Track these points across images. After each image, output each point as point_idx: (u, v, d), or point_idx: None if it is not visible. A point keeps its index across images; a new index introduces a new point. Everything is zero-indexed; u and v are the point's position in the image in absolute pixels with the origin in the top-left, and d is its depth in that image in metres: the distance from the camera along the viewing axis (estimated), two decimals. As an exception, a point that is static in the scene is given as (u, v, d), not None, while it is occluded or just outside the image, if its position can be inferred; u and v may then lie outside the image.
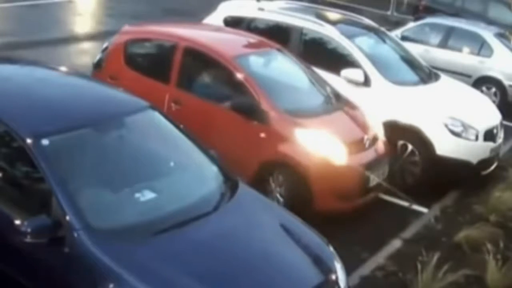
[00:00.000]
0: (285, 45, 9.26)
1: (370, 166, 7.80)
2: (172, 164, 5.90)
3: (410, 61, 10.46)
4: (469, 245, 7.41)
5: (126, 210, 5.18)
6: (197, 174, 5.88)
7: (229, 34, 9.54)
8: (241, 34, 9.45)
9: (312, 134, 7.56)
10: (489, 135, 9.31)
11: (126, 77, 8.36)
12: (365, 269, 6.95)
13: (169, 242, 4.93)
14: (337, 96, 8.58)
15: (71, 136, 5.32)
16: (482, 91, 12.39)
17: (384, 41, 10.54)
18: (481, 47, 13.83)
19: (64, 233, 4.74)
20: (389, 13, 21.60)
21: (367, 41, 10.12)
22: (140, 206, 5.20)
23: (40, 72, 6.62)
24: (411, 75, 10.06)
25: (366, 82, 9.20)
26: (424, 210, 8.54)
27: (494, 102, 11.64)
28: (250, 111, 7.65)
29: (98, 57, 9.11)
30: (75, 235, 4.73)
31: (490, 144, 9.32)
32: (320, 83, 8.72)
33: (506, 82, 13.45)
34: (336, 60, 9.49)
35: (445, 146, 8.90)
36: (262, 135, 7.59)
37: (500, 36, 14.22)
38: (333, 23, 10.09)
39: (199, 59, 8.31)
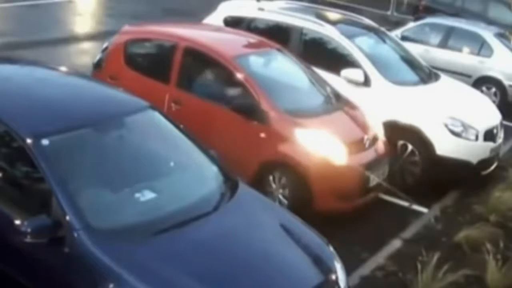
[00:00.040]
0: (285, 45, 9.25)
1: (370, 166, 7.80)
2: (172, 164, 5.90)
3: (410, 61, 10.46)
4: (469, 245, 7.40)
5: (126, 210, 5.18)
6: (197, 174, 5.88)
7: (229, 34, 9.54)
8: (241, 34, 9.45)
9: (312, 134, 7.56)
10: (489, 135, 9.31)
11: (126, 77, 8.36)
12: (365, 269, 6.95)
13: (169, 242, 4.93)
14: (337, 96, 8.58)
15: (71, 136, 5.32)
16: (482, 91, 12.39)
17: (384, 41, 10.54)
18: (481, 47, 13.83)
19: (64, 233, 4.74)
20: (389, 13, 21.60)
21: (367, 41, 10.12)
22: (140, 206, 5.20)
23: (40, 72, 6.62)
24: (411, 75, 10.06)
25: (366, 82, 9.20)
26: (424, 210, 8.54)
27: (494, 102, 11.64)
28: (250, 111, 7.65)
29: (98, 57, 9.11)
30: (75, 235, 4.73)
31: (490, 144, 9.33)
32: (320, 83, 8.72)
33: (506, 82, 13.45)
34: (336, 60, 9.49)
35: (445, 146, 8.90)
36: (262, 135, 7.59)
37: (500, 36, 14.22)
38: (333, 23, 10.09)
39: (199, 59, 8.31)
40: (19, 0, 16.60)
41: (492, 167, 9.54)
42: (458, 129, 8.99)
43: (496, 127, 9.53)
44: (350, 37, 9.64)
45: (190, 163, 5.99)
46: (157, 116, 6.04)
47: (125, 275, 4.55)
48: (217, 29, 9.84)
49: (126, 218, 5.05)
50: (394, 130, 8.82)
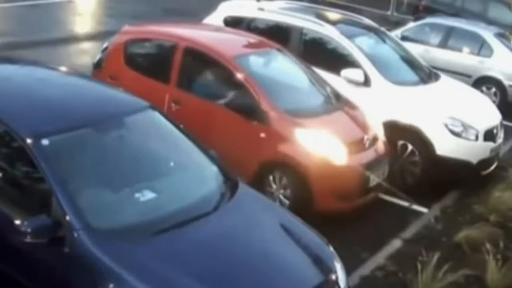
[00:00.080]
0: (285, 45, 9.26)
1: (370, 166, 7.80)
2: (172, 164, 5.90)
3: (410, 61, 10.46)
4: (469, 245, 7.40)
5: (126, 210, 5.18)
6: (197, 174, 5.88)
7: (229, 34, 9.54)
8: (241, 34, 9.45)
9: (312, 134, 7.57)
10: (489, 135, 9.31)
11: (126, 77, 8.36)
12: (365, 269, 6.95)
13: (169, 242, 4.93)
14: (337, 96, 8.59)
15: (71, 136, 5.32)
16: (482, 91, 12.39)
17: (384, 41, 10.54)
18: (481, 47, 13.83)
19: (64, 233, 4.74)
20: (389, 13, 21.60)
21: (367, 41, 10.12)
22: (140, 206, 5.20)
23: (40, 72, 6.62)
24: (411, 75, 10.06)
25: (366, 82, 9.20)
26: (424, 210, 8.54)
27: (494, 102, 11.64)
28: (250, 111, 7.65)
29: (98, 57, 9.11)
30: (75, 235, 4.73)
31: (490, 144, 9.32)
32: (320, 83, 8.72)
33: (506, 82, 13.45)
34: (336, 60, 9.49)
35: (445, 146, 8.90)
36: (262, 135, 7.59)
37: (500, 36, 14.22)
38: (333, 23, 10.09)
39: (199, 59, 8.31)
40: (19, 0, 16.60)
41: (492, 167, 9.54)
42: (458, 129, 8.99)
43: (496, 127, 9.53)
44: (350, 37, 9.64)
45: (190, 163, 5.99)
46: (157, 116, 6.04)
47: (125, 275, 4.55)
48: (217, 29, 9.84)
49: (126, 218, 5.05)
50: (394, 130, 8.82)
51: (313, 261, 5.31)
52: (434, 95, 9.61)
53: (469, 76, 13.35)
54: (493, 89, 13.47)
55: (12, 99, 5.60)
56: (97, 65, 8.96)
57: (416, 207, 8.53)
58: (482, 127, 9.20)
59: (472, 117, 9.21)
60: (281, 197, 7.54)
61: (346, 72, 9.22)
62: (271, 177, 7.61)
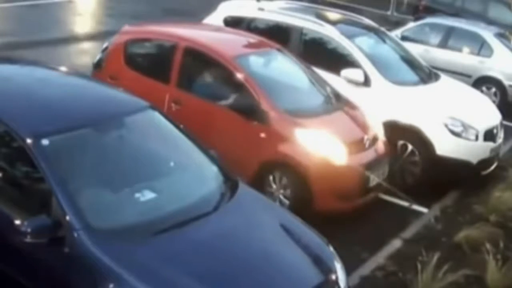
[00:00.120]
0: (285, 45, 9.25)
1: (370, 166, 7.80)
2: (172, 164, 5.90)
3: (410, 61, 10.46)
4: (469, 245, 7.40)
5: (126, 210, 5.18)
6: (197, 174, 5.88)
7: (229, 34, 9.54)
8: (241, 34, 9.45)
9: (312, 134, 7.56)
10: (489, 135, 9.31)
11: (126, 77, 8.36)
12: (365, 269, 6.95)
13: (169, 242, 4.93)
14: (337, 96, 8.59)
15: (71, 136, 5.32)
16: (482, 91, 12.39)
17: (384, 41, 10.54)
18: (481, 47, 13.83)
19: (64, 233, 4.74)
20: (389, 13, 21.60)
21: (367, 41, 10.12)
22: (140, 206, 5.20)
23: (40, 72, 6.62)
24: (411, 75, 10.06)
25: (366, 82, 9.20)
26: (424, 210, 8.54)
27: (494, 102, 11.64)
28: (250, 111, 7.65)
29: (98, 57, 9.11)
30: (75, 235, 4.73)
31: (490, 144, 9.32)
32: (320, 83, 8.72)
33: (506, 82, 13.46)
34: (336, 60, 9.49)
35: (445, 146, 8.90)
36: (262, 135, 7.59)
37: (500, 36, 14.22)
38: (333, 23, 10.09)
39: (199, 59, 8.30)
40: (19, 0, 16.60)
41: (492, 167, 9.54)
42: (458, 129, 8.99)
43: (496, 127, 9.53)
44: (350, 37, 9.64)
45: (190, 163, 5.99)
46: (157, 116, 6.04)
47: (125, 275, 4.55)
48: (217, 29, 9.84)
49: (126, 218, 5.05)
50: (394, 130, 8.82)
51: (313, 261, 5.31)
52: (434, 95, 9.61)
53: (469, 76, 13.35)
54: (493, 89, 13.47)
55: (12, 99, 5.60)
56: (97, 65, 8.96)
57: (416, 207, 8.53)
58: (482, 127, 9.20)
59: (472, 117, 9.21)
60: (281, 197, 7.54)
61: (346, 72, 9.22)
62: (271, 177, 7.61)
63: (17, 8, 16.19)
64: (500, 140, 9.61)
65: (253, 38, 9.13)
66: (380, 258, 7.20)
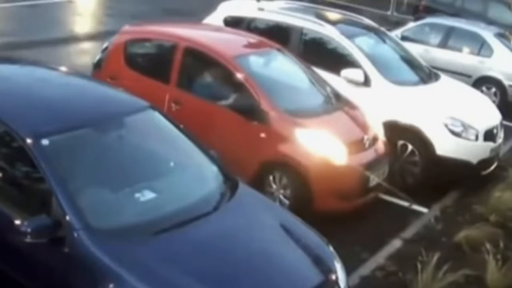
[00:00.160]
0: (285, 45, 9.26)
1: (370, 166, 7.80)
2: (172, 164, 5.90)
3: (410, 61, 10.46)
4: (469, 245, 7.40)
5: (126, 210, 5.18)
6: (197, 174, 5.88)
7: (229, 34, 9.54)
8: (241, 34, 9.45)
9: (312, 134, 7.57)
10: (489, 135, 9.31)
11: (126, 77, 8.36)
12: (365, 269, 6.95)
13: (169, 242, 4.92)
14: (337, 96, 8.59)
15: (71, 136, 5.32)
16: (482, 91, 12.39)
17: (384, 41, 10.54)
18: (481, 47, 13.83)
19: (64, 233, 4.74)
20: (389, 13, 21.60)
21: (367, 41, 10.12)
22: (140, 206, 5.20)
23: (40, 72, 6.62)
24: (411, 75, 10.06)
25: (366, 82, 9.20)
26: (424, 210, 8.54)
27: (494, 102, 11.64)
28: (250, 111, 7.65)
29: (98, 57, 9.11)
30: (75, 235, 4.73)
31: (490, 144, 9.33)
32: (320, 83, 8.72)
33: (506, 82, 13.46)
34: (336, 60, 9.49)
35: (445, 146, 8.90)
36: (262, 135, 7.59)
37: (500, 36, 14.22)
38: (333, 23, 10.09)
39: (199, 59, 8.30)
40: (19, 0, 16.60)
41: (492, 167, 9.54)
42: (458, 129, 8.99)
43: (496, 127, 9.53)
44: (350, 37, 9.64)
45: (190, 163, 5.99)
46: (157, 116, 6.04)
47: (125, 275, 4.55)
48: (217, 29, 9.84)
49: (126, 218, 5.05)
50: (394, 130, 8.82)
51: (313, 261, 5.31)
52: (434, 95, 9.61)
53: (469, 76, 13.35)
54: (493, 89, 13.47)
55: (12, 99, 5.60)
56: (97, 65, 8.96)
57: (416, 207, 8.53)
58: (482, 127, 9.21)
59: (472, 117, 9.21)
60: (281, 197, 7.54)
61: (346, 72, 9.22)
62: (271, 177, 7.61)
63: (17, 8, 16.19)
64: (500, 140, 9.61)
65: (253, 38, 9.13)
66: (380, 258, 7.20)
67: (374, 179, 7.84)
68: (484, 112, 9.78)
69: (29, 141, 5.05)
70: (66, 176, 5.00)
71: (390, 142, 8.52)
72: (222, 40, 8.97)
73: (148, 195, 5.25)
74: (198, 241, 4.99)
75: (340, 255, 5.52)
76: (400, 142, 9.00)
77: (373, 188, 7.93)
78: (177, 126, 6.06)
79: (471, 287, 6.69)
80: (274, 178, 7.61)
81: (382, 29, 11.03)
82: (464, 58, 13.81)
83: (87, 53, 12.61)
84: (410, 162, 9.00)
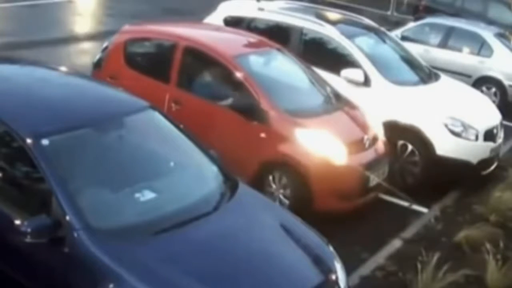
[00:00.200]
0: (285, 45, 9.25)
1: (370, 166, 7.80)
2: (172, 164, 5.90)
3: (410, 61, 10.46)
4: (469, 245, 7.40)
5: (126, 210, 5.18)
6: (197, 174, 5.88)
7: (229, 34, 9.54)
8: (241, 33, 9.45)
9: (312, 134, 7.57)
10: (489, 135, 9.31)
11: (126, 76, 8.36)
12: (365, 269, 6.95)
13: (169, 242, 4.92)
14: (337, 96, 8.59)
15: (71, 136, 5.32)
16: (482, 91, 12.39)
17: (384, 41, 10.54)
18: (481, 47, 13.83)
19: (64, 233, 4.74)
20: (389, 13, 21.60)
21: (367, 41, 10.12)
22: (140, 206, 5.20)
23: (40, 72, 6.62)
24: (411, 75, 10.06)
25: (366, 82, 9.20)
26: (424, 210, 8.54)
27: (494, 102, 11.64)
28: (250, 111, 7.65)
29: (97, 56, 9.11)
30: (75, 235, 4.73)
31: (490, 144, 9.33)
32: (320, 83, 8.72)
33: (506, 82, 13.45)
34: (336, 60, 9.49)
35: (445, 146, 8.90)
36: (262, 135, 7.59)
37: (500, 36, 14.22)
38: (333, 23, 10.09)
39: (199, 59, 8.31)
40: (19, 0, 16.60)
41: (492, 167, 9.54)
42: (458, 129, 8.99)
43: (496, 127, 9.53)
44: (350, 37, 9.64)
45: (190, 163, 5.99)
46: (157, 116, 6.04)
47: (125, 275, 4.55)
48: (217, 28, 9.84)
49: (126, 218, 5.05)
50: (394, 130, 8.82)
51: (313, 261, 5.31)
52: (434, 95, 9.61)
53: (469, 76, 13.34)
54: (493, 89, 13.47)
55: (12, 99, 5.60)
56: (97, 65, 8.96)
57: (416, 207, 8.53)
58: (482, 127, 9.21)
59: (472, 117, 9.21)
60: (281, 196, 7.54)
61: (346, 72, 9.22)
62: (271, 177, 7.61)
63: (17, 8, 16.19)
64: (500, 140, 9.61)
65: (253, 38, 9.13)
66: (380, 258, 7.20)
67: (374, 179, 7.84)
68: (484, 112, 9.78)
69: (29, 141, 5.05)
70: (66, 176, 5.00)
71: (390, 142, 8.51)
72: (222, 39, 8.97)
73: (148, 195, 5.25)
74: (198, 241, 4.99)
75: (340, 255, 5.51)
76: (400, 142, 9.00)
77: (373, 188, 7.93)
78: (177, 126, 6.06)
79: (471, 287, 6.69)
80: (274, 178, 7.61)
81: (382, 29, 11.03)
82: (464, 58, 13.80)
83: (87, 53, 12.61)
84: (410, 162, 9.00)
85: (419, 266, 6.54)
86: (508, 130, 10.54)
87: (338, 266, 5.35)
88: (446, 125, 8.94)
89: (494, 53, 13.68)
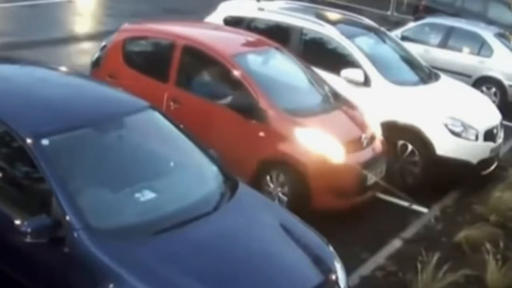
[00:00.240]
0: (285, 45, 9.26)
1: (368, 164, 7.82)
2: (172, 164, 5.90)
3: (410, 61, 10.46)
4: (469, 245, 7.40)
5: (126, 210, 5.18)
6: (197, 174, 5.88)
7: (227, 33, 9.54)
8: (240, 32, 9.45)
9: (311, 133, 7.58)
10: (489, 135, 9.31)
11: (124, 75, 8.35)
12: (365, 269, 6.95)
13: (169, 242, 4.92)
14: (335, 95, 8.60)
15: (71, 136, 5.31)
16: (482, 91, 12.39)
17: (384, 41, 10.54)
18: (481, 47, 13.83)
19: (64, 233, 4.74)
20: (389, 13, 21.60)
21: (367, 41, 10.12)
22: (140, 206, 5.20)
23: (40, 72, 6.62)
24: (411, 75, 10.06)
25: (366, 82, 9.20)
26: (424, 210, 8.54)
27: (494, 102, 11.64)
28: (249, 110, 7.66)
29: (96, 55, 9.11)
30: (75, 235, 4.73)
31: (490, 144, 9.32)
32: (318, 82, 8.73)
33: (506, 82, 13.46)
34: (336, 60, 9.49)
35: (445, 146, 8.90)
36: (261, 133, 7.60)
37: (500, 36, 14.22)
38: (333, 23, 10.09)
39: (198, 58, 8.31)
40: (19, 0, 16.60)
41: (492, 167, 9.53)
42: (458, 129, 8.99)
43: (496, 127, 9.53)
44: (350, 37, 9.64)
45: (190, 163, 5.99)
46: (157, 116, 6.04)
47: (125, 275, 4.55)
48: (215, 27, 9.84)
49: (126, 218, 5.05)
50: (394, 130, 8.83)
51: (313, 261, 5.31)
52: (434, 95, 9.61)
53: (469, 76, 13.35)
54: (493, 89, 13.47)
55: (12, 99, 5.60)
56: (96, 64, 8.97)
57: (416, 207, 8.53)
58: (482, 127, 9.20)
59: (472, 117, 9.21)
60: (280, 195, 7.55)
61: (346, 72, 9.22)
62: (269, 176, 7.62)
63: (17, 8, 16.19)
64: (500, 140, 9.61)
65: (252, 37, 9.15)
66: (380, 258, 7.20)
67: (371, 178, 7.85)
68: (484, 112, 9.78)
69: (29, 141, 5.05)
70: (66, 176, 5.00)
71: (390, 142, 8.53)
72: (220, 38, 8.96)
73: (148, 195, 5.25)
74: (198, 241, 4.99)
75: (340, 255, 5.51)
76: (400, 142, 9.00)
77: (371, 186, 7.94)
78: (177, 126, 6.06)
79: (471, 287, 6.69)
80: (272, 177, 7.62)
81: (382, 29, 11.02)
82: (464, 58, 13.81)
83: (87, 53, 12.57)
84: (410, 162, 9.00)
85: (419, 266, 6.54)
86: (508, 130, 10.54)
87: (338, 266, 5.35)
88: (446, 125, 8.94)
89: (494, 53, 13.68)
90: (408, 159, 9.01)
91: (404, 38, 13.52)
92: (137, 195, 5.24)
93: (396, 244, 7.56)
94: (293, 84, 8.61)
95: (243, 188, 5.81)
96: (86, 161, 5.36)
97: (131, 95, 6.22)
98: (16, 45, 12.53)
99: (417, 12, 19.10)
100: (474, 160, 9.08)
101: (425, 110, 9.11)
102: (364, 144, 7.97)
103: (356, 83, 9.17)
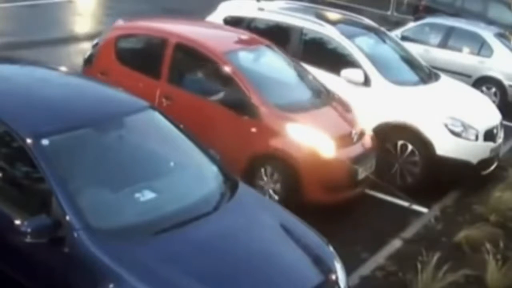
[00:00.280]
0: (285, 45, 9.29)
1: (358, 159, 7.89)
2: (172, 164, 5.90)
3: (410, 61, 10.46)
4: (469, 245, 7.41)
5: (126, 210, 5.17)
6: (197, 174, 5.88)
7: (219, 30, 9.58)
8: (231, 30, 9.50)
9: (302, 128, 7.64)
10: (489, 135, 9.31)
11: (116, 72, 8.36)
12: (365, 269, 6.95)
13: (169, 242, 4.92)
14: (326, 92, 8.65)
15: (71, 136, 5.32)
16: (482, 91, 12.40)
17: (384, 41, 10.54)
18: (481, 47, 13.84)
19: (64, 233, 4.74)
20: (389, 13, 21.60)
21: (367, 41, 10.12)
22: (140, 206, 5.20)
23: (40, 72, 6.62)
24: (411, 75, 10.06)
25: (366, 82, 9.21)
26: (424, 210, 8.54)
27: (494, 102, 11.64)
28: (241, 106, 7.70)
29: (88, 52, 9.13)
30: (75, 235, 4.73)
31: (490, 144, 9.33)
32: (309, 78, 8.77)
33: (506, 82, 13.46)
34: (336, 60, 9.49)
35: (445, 146, 8.90)
36: (253, 129, 7.65)
37: (500, 36, 14.23)
38: (333, 23, 10.09)
39: (190, 55, 8.34)
40: (19, 0, 16.59)
41: (492, 167, 9.54)
42: (458, 129, 8.99)
43: (496, 127, 9.53)
44: (350, 37, 9.65)
45: (190, 163, 5.99)
46: (157, 116, 6.04)
47: (125, 275, 4.55)
48: (207, 25, 9.89)
49: (126, 218, 5.05)
50: (394, 130, 8.83)
51: (313, 261, 5.32)
52: (434, 95, 9.61)
53: (469, 76, 13.35)
54: (493, 89, 13.48)
55: (12, 99, 5.60)
56: (88, 61, 8.98)
57: (416, 207, 8.53)
58: (482, 127, 9.21)
59: (472, 117, 9.21)
60: (271, 190, 7.59)
61: (346, 72, 9.23)
62: (261, 171, 7.65)
63: (17, 8, 16.18)
64: (500, 140, 9.61)
65: (243, 34, 9.19)
66: (380, 258, 7.21)
67: (362, 172, 7.89)
68: (484, 112, 9.78)
69: (29, 141, 5.05)
70: (66, 176, 5.00)
71: (390, 142, 8.54)
72: (212, 36, 9.00)
73: (148, 195, 5.25)
74: (198, 241, 4.99)
75: (340, 255, 5.51)
76: (400, 142, 9.00)
77: (361, 181, 8.00)
78: (177, 126, 6.06)
79: (471, 287, 6.69)
80: (264, 172, 7.66)
81: (382, 29, 11.03)
82: (464, 58, 13.81)
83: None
84: (410, 162, 9.00)
85: (419, 266, 6.54)
86: (508, 130, 10.54)
87: (338, 266, 5.35)
88: (446, 125, 8.94)
89: (494, 53, 13.68)
90: (408, 159, 9.01)
91: (404, 38, 13.53)
92: (137, 195, 5.24)
93: (396, 244, 7.56)
94: (284, 80, 8.67)
95: (243, 188, 5.82)
96: (86, 161, 5.36)
97: (131, 95, 6.22)
98: (16, 45, 12.52)
99: (417, 12, 19.11)
100: (474, 160, 9.08)
101: (425, 110, 9.11)
102: (354, 139, 8.05)
103: (356, 83, 9.17)
